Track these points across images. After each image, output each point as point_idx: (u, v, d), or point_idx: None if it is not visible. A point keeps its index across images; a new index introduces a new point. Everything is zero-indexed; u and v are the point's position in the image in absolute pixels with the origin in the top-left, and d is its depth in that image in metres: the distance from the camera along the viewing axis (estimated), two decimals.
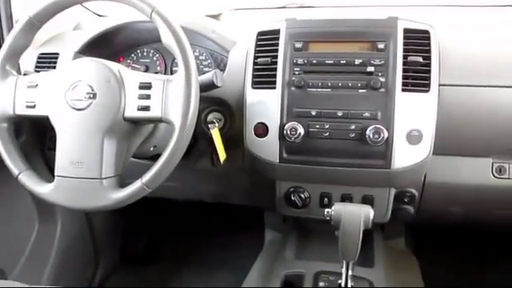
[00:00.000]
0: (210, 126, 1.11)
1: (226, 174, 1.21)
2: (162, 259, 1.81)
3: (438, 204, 1.14)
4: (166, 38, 0.86)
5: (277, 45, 1.05)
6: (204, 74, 0.96)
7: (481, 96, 1.00)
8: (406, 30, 1.01)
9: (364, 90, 0.99)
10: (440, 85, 0.99)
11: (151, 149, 1.03)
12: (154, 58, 1.25)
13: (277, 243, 1.35)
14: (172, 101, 0.84)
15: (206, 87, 0.94)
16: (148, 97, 0.86)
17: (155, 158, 0.86)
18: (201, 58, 1.21)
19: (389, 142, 0.97)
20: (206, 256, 1.78)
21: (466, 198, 1.11)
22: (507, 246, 1.61)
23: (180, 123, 0.82)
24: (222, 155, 1.08)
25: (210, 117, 1.13)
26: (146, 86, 0.86)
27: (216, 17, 1.33)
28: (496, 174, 1.06)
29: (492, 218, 1.17)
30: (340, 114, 0.99)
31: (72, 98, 0.87)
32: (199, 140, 1.16)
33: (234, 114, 1.11)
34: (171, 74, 1.23)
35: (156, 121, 0.92)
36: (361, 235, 0.88)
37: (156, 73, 1.24)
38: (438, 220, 1.26)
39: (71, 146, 0.87)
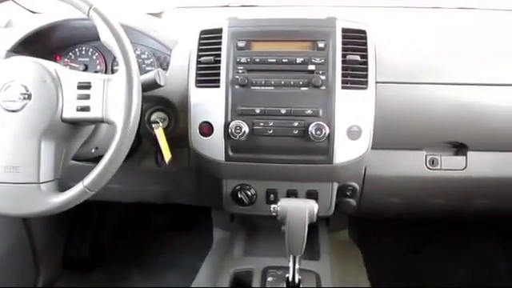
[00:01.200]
0: (153, 125, 1.09)
1: (172, 174, 1.19)
2: (107, 263, 1.76)
3: (378, 196, 1.20)
4: (105, 36, 0.84)
5: (220, 43, 1.05)
6: (146, 73, 0.94)
7: (415, 93, 1.05)
8: (344, 30, 1.04)
9: (306, 88, 1.02)
10: (377, 82, 1.03)
11: (93, 150, 1.00)
12: (94, 57, 1.21)
13: (225, 241, 1.35)
14: (113, 101, 0.82)
15: (148, 86, 0.93)
16: (87, 97, 0.83)
17: (97, 159, 0.83)
18: (143, 56, 1.19)
19: (330, 138, 1.00)
20: (154, 258, 1.75)
21: (403, 189, 1.18)
22: (442, 234, 1.72)
23: (122, 123, 0.81)
24: (167, 155, 1.07)
25: (154, 116, 1.12)
26: (85, 86, 0.84)
27: (158, 15, 1.31)
28: (429, 166, 1.13)
29: (427, 207, 1.25)
30: (283, 111, 1.01)
31: (5, 99, 0.83)
32: (143, 140, 1.14)
33: (179, 113, 1.10)
34: (112, 73, 1.20)
35: (97, 121, 0.90)
36: (306, 229, 0.91)
37: (96, 72, 1.20)
38: (378, 211, 1.32)
39: (5, 149, 0.83)
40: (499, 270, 1.66)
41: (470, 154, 1.12)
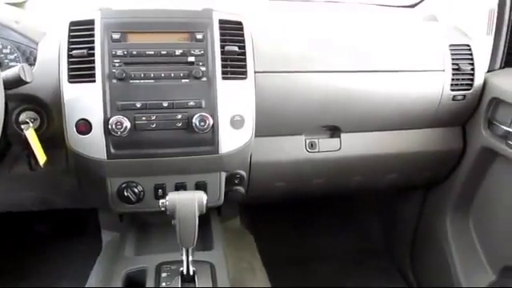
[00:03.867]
0: (23, 126, 1.00)
1: (49, 178, 1.11)
2: None
3: (265, 181, 1.25)
4: None
5: (92, 36, 0.99)
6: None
7: (290, 81, 1.11)
8: (222, 21, 1.06)
9: (187, 80, 1.01)
10: (256, 72, 1.07)
11: None
12: None
13: (115, 243, 1.29)
14: None
15: (12, 83, 0.84)
16: None
17: None
18: (5, 51, 1.07)
19: (214, 129, 1.01)
20: (41, 269, 1.61)
21: (287, 172, 1.24)
22: (324, 211, 1.86)
23: None
24: (41, 158, 0.99)
25: (23, 116, 1.02)
26: None
27: (19, 5, 1.19)
28: (309, 149, 1.21)
29: (310, 186, 1.33)
30: (165, 104, 1.00)
31: None
32: (13, 143, 1.03)
33: (51, 111, 1.02)
34: None
35: None
36: (197, 221, 0.91)
37: None
38: (266, 196, 1.38)
39: None
40: (373, 234, 1.86)
41: (343, 135, 1.23)
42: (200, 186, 1.10)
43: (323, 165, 1.24)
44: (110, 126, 0.96)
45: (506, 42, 1.27)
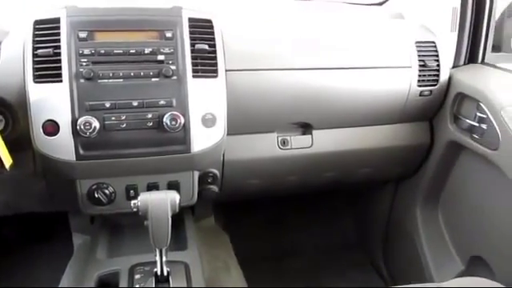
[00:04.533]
0: None
1: (16, 181, 1.08)
2: None
3: (239, 179, 1.25)
4: None
5: (58, 34, 0.97)
6: None
7: (260, 79, 1.11)
8: (191, 19, 1.05)
9: (157, 79, 1.00)
10: (226, 70, 1.07)
11: None
12: None
13: (87, 246, 1.27)
14: None
15: None
16: None
17: None
18: None
19: (186, 128, 1.01)
20: (11, 277, 1.56)
21: (260, 169, 1.25)
22: (298, 208, 1.88)
23: None
24: (6, 161, 0.95)
25: None
26: None
27: None
28: (281, 146, 1.22)
29: (283, 183, 1.34)
30: (135, 103, 0.99)
31: None
32: None
33: (16, 112, 0.99)
34: None
35: None
36: (169, 221, 0.90)
37: None
38: (240, 194, 1.38)
39: None
40: (347, 228, 1.89)
41: (314, 132, 1.24)
42: (172, 186, 1.09)
43: (296, 162, 1.25)
44: (78, 127, 0.94)
45: (469, 39, 1.32)
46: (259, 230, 1.82)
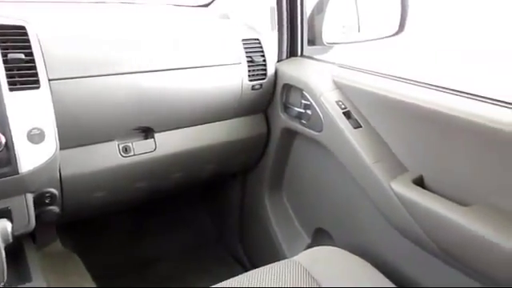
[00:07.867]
0: None
1: None
2: None
3: (82, 195, 1.17)
4: None
5: None
6: None
7: (90, 86, 1.05)
8: (0, 27, 0.95)
9: None
10: (50, 80, 0.99)
11: None
12: None
13: None
14: None
15: None
16: None
17: None
18: None
19: (9, 147, 0.90)
20: None
21: (104, 181, 1.18)
22: (156, 213, 1.85)
23: None
24: None
25: None
26: None
27: None
28: (123, 154, 1.18)
29: (133, 191, 1.30)
30: None
31: None
32: None
33: None
34: None
35: None
36: (3, 253, 0.81)
37: None
38: (87, 210, 1.29)
39: None
40: (205, 226, 1.93)
41: (157, 135, 1.23)
42: (3, 213, 0.97)
43: (141, 167, 1.22)
44: None
45: (287, 35, 1.45)
46: (118, 243, 1.73)
